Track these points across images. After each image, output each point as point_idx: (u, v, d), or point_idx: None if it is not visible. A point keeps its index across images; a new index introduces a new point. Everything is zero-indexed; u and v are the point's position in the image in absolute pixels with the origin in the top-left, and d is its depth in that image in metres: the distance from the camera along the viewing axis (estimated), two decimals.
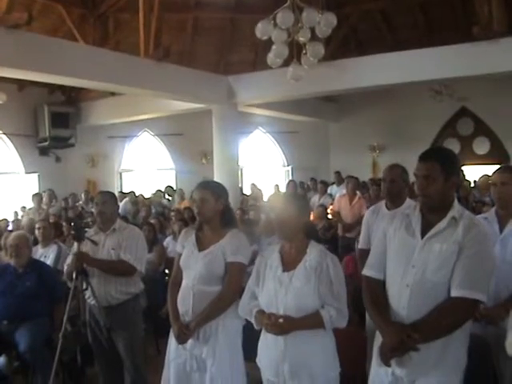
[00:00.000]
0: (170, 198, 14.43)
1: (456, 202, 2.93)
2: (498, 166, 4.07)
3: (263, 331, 3.35)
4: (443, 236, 2.83)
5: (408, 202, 4.49)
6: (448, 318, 2.73)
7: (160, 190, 14.80)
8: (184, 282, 3.78)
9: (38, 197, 12.32)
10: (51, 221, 9.07)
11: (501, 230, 3.75)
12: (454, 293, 2.73)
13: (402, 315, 2.85)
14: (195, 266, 3.71)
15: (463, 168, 15.38)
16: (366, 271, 3.11)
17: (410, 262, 2.86)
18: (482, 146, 15.99)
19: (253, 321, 3.38)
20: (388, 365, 2.82)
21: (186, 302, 3.70)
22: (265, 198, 13.84)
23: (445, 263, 2.77)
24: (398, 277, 2.90)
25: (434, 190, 2.85)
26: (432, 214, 2.90)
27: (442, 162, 2.86)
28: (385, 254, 3.04)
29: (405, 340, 2.70)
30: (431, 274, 2.79)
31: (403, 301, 2.85)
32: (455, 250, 2.76)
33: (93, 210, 4.91)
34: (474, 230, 2.80)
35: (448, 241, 2.80)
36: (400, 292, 2.87)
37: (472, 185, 12.25)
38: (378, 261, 3.07)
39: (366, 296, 3.06)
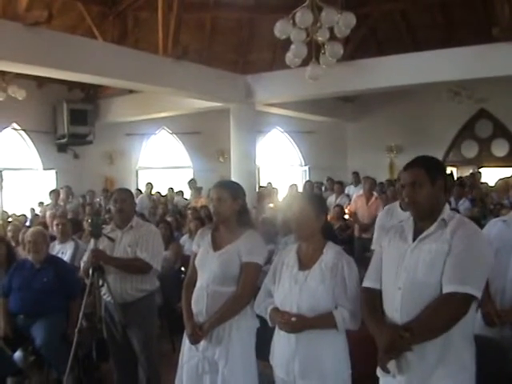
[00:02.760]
0: (191, 193, 14.40)
1: (447, 206, 2.93)
2: None
3: (277, 329, 3.35)
4: (433, 237, 2.82)
5: None
6: (440, 314, 2.69)
7: (172, 189, 14.85)
8: (198, 282, 3.75)
9: (55, 193, 12.40)
10: (69, 217, 9.16)
11: None
12: (445, 289, 2.70)
13: (395, 318, 2.83)
14: (210, 266, 3.68)
15: (480, 170, 15.34)
16: (365, 283, 3.10)
17: (402, 265, 2.86)
18: (500, 148, 15.85)
19: (267, 318, 3.38)
20: (385, 369, 2.78)
21: (200, 302, 3.67)
22: (281, 198, 13.82)
23: (435, 262, 2.75)
24: (391, 281, 2.90)
25: (423, 196, 2.85)
26: (425, 220, 2.89)
27: (426, 167, 2.87)
28: (381, 265, 3.05)
29: (396, 340, 2.69)
30: (422, 274, 2.77)
31: (396, 304, 2.83)
32: (445, 249, 2.74)
33: (111, 206, 4.91)
34: (461, 228, 2.79)
35: (437, 241, 2.79)
36: (393, 295, 2.87)
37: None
38: (375, 271, 3.06)
39: (364, 307, 3.04)
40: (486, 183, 12.75)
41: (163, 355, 5.52)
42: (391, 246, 3.01)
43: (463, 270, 2.69)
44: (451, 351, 2.74)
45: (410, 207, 2.96)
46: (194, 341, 3.63)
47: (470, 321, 2.81)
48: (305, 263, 3.33)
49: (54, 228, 7.17)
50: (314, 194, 8.19)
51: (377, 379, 2.99)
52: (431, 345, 2.72)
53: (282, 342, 3.31)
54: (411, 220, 2.98)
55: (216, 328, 3.60)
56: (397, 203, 4.98)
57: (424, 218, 2.89)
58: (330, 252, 3.30)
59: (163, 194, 14.39)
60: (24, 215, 11.20)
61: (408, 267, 2.83)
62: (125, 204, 4.84)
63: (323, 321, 3.17)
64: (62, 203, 12.21)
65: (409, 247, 2.88)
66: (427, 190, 2.84)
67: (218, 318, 3.57)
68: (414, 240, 2.89)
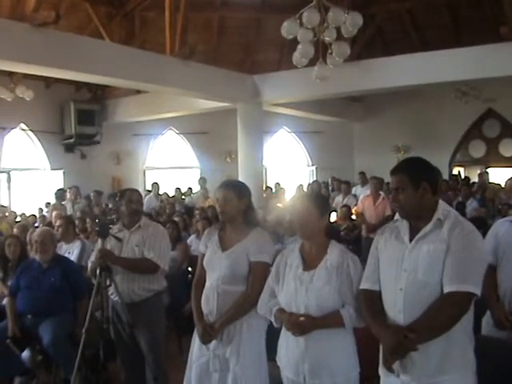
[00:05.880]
0: (199, 192, 14.52)
1: (440, 204, 2.96)
2: None
3: (283, 330, 3.34)
4: (430, 237, 2.86)
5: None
6: (442, 314, 2.73)
7: (179, 189, 14.88)
8: (208, 282, 3.77)
9: (62, 193, 12.44)
10: (79, 216, 9.21)
11: None
12: (446, 289, 2.74)
13: (399, 320, 2.85)
14: (219, 266, 3.70)
15: (488, 170, 15.26)
16: (363, 285, 3.12)
17: (402, 267, 2.89)
18: (508, 148, 15.78)
19: (272, 319, 3.38)
20: (391, 370, 2.81)
21: (210, 302, 3.69)
22: (288, 198, 13.80)
23: (434, 262, 2.79)
24: (392, 283, 2.93)
25: (405, 200, 2.92)
26: (418, 221, 2.94)
27: (408, 173, 2.95)
28: (378, 266, 3.07)
29: (402, 341, 2.71)
30: (422, 274, 2.81)
31: (398, 305, 2.86)
32: (443, 249, 2.79)
33: (122, 206, 4.87)
34: (458, 228, 2.83)
35: (435, 241, 2.83)
36: (395, 297, 2.89)
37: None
38: (373, 273, 3.09)
39: (365, 309, 3.06)
40: (496, 183, 12.68)
41: (170, 355, 5.53)
42: (388, 246, 3.04)
43: (463, 270, 2.74)
44: (454, 347, 2.79)
45: (397, 210, 3.05)
46: (206, 340, 3.65)
47: (470, 317, 2.85)
48: (309, 263, 3.32)
49: (56, 229, 7.18)
50: (318, 194, 8.17)
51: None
52: (435, 343, 2.75)
53: (290, 343, 3.29)
54: (405, 220, 3.02)
55: (227, 327, 3.62)
56: None
57: (412, 219, 2.96)
58: (335, 251, 3.30)
59: (171, 194, 14.37)
60: (34, 215, 11.25)
61: (408, 268, 2.86)
62: (139, 204, 4.88)
63: (331, 320, 3.17)
64: (69, 204, 12.24)
65: (407, 248, 2.91)
66: (410, 195, 2.91)
67: (229, 317, 3.60)
68: (410, 240, 2.92)
